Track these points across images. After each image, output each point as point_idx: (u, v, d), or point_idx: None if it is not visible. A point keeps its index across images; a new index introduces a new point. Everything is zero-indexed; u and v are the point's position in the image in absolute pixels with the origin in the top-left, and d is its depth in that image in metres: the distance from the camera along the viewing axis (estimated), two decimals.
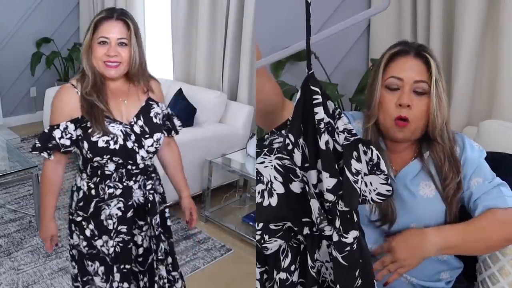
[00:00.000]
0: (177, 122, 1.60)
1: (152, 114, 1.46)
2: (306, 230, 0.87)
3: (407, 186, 1.25)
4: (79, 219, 1.46)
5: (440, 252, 1.07)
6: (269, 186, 0.86)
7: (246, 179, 3.15)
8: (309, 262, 0.88)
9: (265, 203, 0.86)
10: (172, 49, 3.73)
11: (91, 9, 4.76)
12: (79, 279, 1.55)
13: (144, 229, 1.50)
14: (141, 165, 1.44)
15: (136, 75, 1.40)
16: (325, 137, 0.80)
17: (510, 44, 1.98)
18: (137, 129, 1.42)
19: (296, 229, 0.88)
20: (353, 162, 0.82)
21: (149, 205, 1.49)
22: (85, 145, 1.36)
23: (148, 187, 1.50)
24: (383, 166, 0.83)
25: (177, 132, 1.61)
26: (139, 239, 1.50)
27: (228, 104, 3.26)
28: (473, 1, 2.01)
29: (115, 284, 1.48)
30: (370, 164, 0.83)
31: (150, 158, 1.48)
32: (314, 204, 0.84)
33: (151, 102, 1.47)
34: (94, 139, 1.35)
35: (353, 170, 0.81)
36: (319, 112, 0.80)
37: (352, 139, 0.83)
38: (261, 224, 0.88)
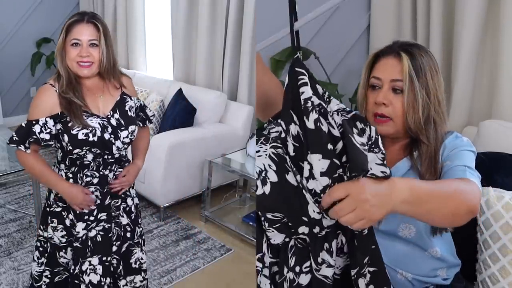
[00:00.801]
0: (149, 113, 1.70)
1: (127, 108, 1.58)
2: (303, 229, 0.86)
3: None
4: (58, 209, 1.56)
5: (405, 207, 0.87)
6: (263, 174, 0.85)
7: (246, 179, 3.15)
8: (313, 265, 0.87)
9: (260, 192, 0.86)
10: (172, 49, 3.73)
11: (91, 9, 4.76)
12: (44, 275, 1.63)
13: (115, 218, 1.62)
14: (117, 155, 1.56)
15: (107, 73, 1.52)
16: (313, 115, 0.78)
17: (510, 43, 1.98)
18: (113, 121, 1.53)
19: (290, 224, 0.87)
20: (356, 136, 0.81)
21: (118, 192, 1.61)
22: (66, 138, 1.46)
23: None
24: (381, 144, 0.82)
25: (150, 122, 1.72)
26: (112, 227, 1.60)
27: (228, 104, 3.26)
28: (473, 1, 2.01)
29: (84, 266, 1.56)
30: (369, 143, 0.82)
31: (125, 148, 1.59)
32: (308, 197, 0.84)
33: (125, 97, 1.59)
34: (74, 132, 1.45)
35: (358, 142, 0.80)
36: (305, 91, 0.79)
37: (349, 116, 0.82)
38: (261, 214, 0.88)
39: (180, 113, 3.11)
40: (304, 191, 0.84)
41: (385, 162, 0.82)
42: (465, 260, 1.37)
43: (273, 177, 0.85)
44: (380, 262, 0.88)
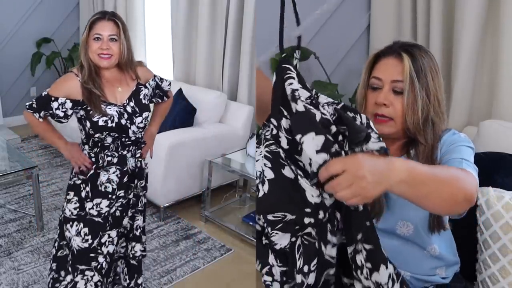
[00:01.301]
0: (165, 84, 1.90)
1: (141, 96, 1.77)
2: (309, 220, 0.86)
3: None
4: (78, 182, 1.74)
5: (402, 188, 0.86)
6: (260, 176, 0.85)
7: (246, 179, 3.15)
8: (322, 247, 0.86)
9: (260, 194, 0.85)
10: (172, 49, 3.73)
11: (91, 9, 4.76)
12: (55, 244, 1.82)
13: (131, 189, 1.81)
14: (133, 138, 1.75)
15: (125, 65, 1.71)
16: (302, 102, 0.79)
17: (510, 42, 1.98)
18: (129, 109, 1.72)
19: (294, 217, 0.86)
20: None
21: (137, 170, 1.80)
22: (88, 124, 1.67)
23: (138, 155, 1.81)
24: (373, 126, 0.83)
25: (168, 97, 1.94)
26: (128, 201, 1.80)
27: (228, 104, 3.26)
28: (473, 1, 2.01)
29: (107, 243, 1.76)
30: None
31: (140, 132, 1.77)
32: (304, 183, 0.83)
33: (140, 86, 1.78)
34: (95, 119, 1.65)
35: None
36: (293, 83, 0.80)
37: (339, 106, 0.83)
38: (262, 218, 0.87)
39: (180, 113, 3.11)
40: (299, 177, 0.83)
41: (380, 139, 0.83)
42: (465, 260, 1.37)
43: (269, 174, 0.85)
44: (375, 240, 0.87)
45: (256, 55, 2.62)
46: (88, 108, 1.65)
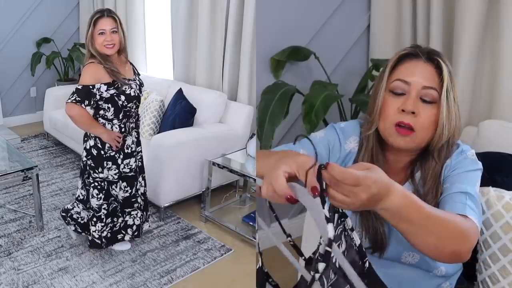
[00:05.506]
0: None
1: (137, 72, 2.34)
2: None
3: None
4: (113, 153, 2.21)
5: (390, 214, 0.79)
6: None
7: (246, 179, 3.15)
8: None
9: None
10: (172, 49, 3.73)
11: (91, 9, 4.76)
12: (102, 207, 2.26)
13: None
14: (139, 105, 2.31)
15: (123, 51, 2.23)
16: None
17: (510, 43, 1.98)
18: (138, 81, 2.28)
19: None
20: None
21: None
22: (122, 97, 2.14)
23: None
24: None
25: (138, 75, 2.41)
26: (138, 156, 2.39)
27: (228, 104, 3.26)
28: (473, 1, 2.01)
29: (139, 187, 2.37)
30: None
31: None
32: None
33: (132, 65, 2.35)
34: (127, 92, 2.15)
35: None
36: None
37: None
38: None
39: (180, 113, 3.11)
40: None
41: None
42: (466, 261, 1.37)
43: None
44: None
45: (256, 55, 2.62)
46: (119, 85, 2.11)
